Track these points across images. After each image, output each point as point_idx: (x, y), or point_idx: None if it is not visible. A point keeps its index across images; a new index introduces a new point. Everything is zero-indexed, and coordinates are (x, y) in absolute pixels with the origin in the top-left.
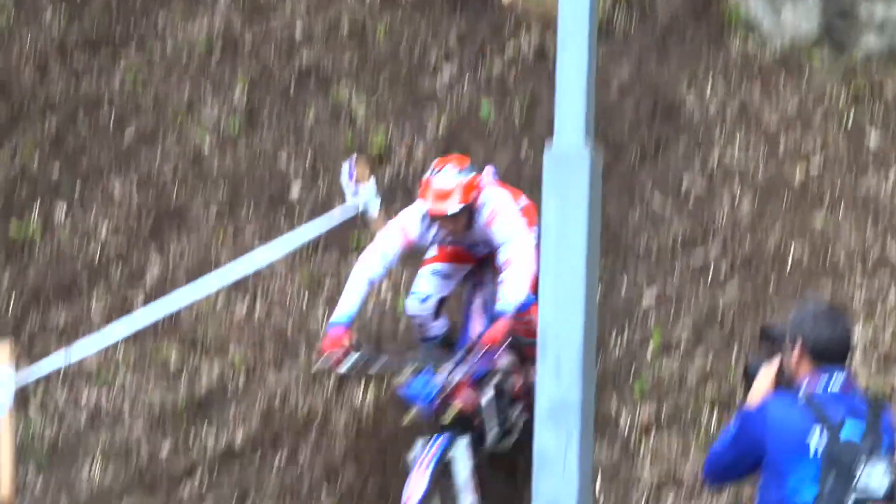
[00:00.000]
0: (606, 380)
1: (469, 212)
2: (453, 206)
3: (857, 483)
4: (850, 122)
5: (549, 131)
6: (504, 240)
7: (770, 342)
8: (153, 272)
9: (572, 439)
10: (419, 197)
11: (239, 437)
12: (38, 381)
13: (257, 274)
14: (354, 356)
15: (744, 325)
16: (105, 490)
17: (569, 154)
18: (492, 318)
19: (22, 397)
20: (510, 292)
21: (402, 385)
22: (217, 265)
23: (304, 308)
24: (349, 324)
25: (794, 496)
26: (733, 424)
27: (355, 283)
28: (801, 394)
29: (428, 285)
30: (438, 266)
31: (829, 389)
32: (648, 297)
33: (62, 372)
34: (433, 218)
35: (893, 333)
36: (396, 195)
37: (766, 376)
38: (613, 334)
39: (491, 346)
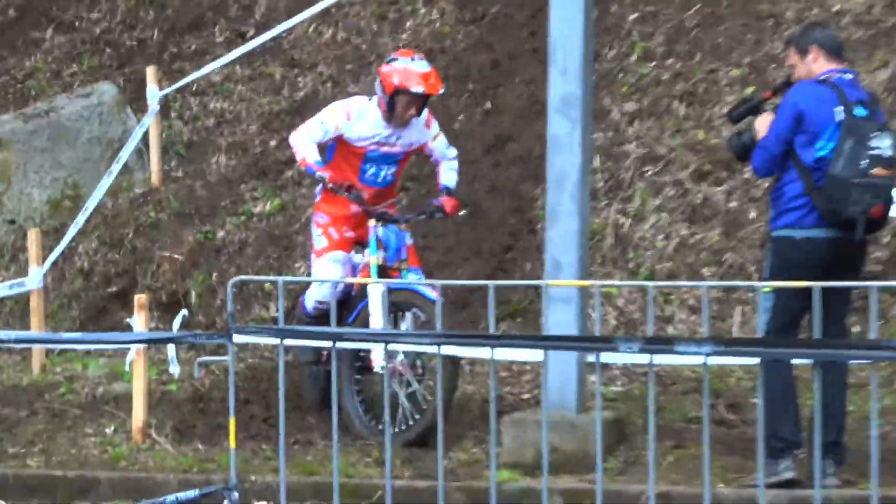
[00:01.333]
0: (601, 81)
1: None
2: (440, 86)
3: (871, 145)
4: None
5: None
6: (435, 134)
7: (744, 115)
8: (261, 8)
9: (577, 124)
10: (388, 84)
11: None
12: (177, 93)
13: (339, 6)
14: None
15: (706, 35)
16: (229, 175)
17: None
18: (447, 190)
19: (165, 106)
20: (453, 175)
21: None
22: (308, 3)
23: (375, 33)
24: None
25: (820, 151)
26: (774, 119)
27: (307, 144)
28: (823, 79)
29: (335, 272)
30: (337, 254)
31: (843, 78)
32: (630, 19)
33: (195, 86)
34: (411, 98)
35: None
36: None
37: (765, 120)
38: (606, 48)
39: (455, 209)
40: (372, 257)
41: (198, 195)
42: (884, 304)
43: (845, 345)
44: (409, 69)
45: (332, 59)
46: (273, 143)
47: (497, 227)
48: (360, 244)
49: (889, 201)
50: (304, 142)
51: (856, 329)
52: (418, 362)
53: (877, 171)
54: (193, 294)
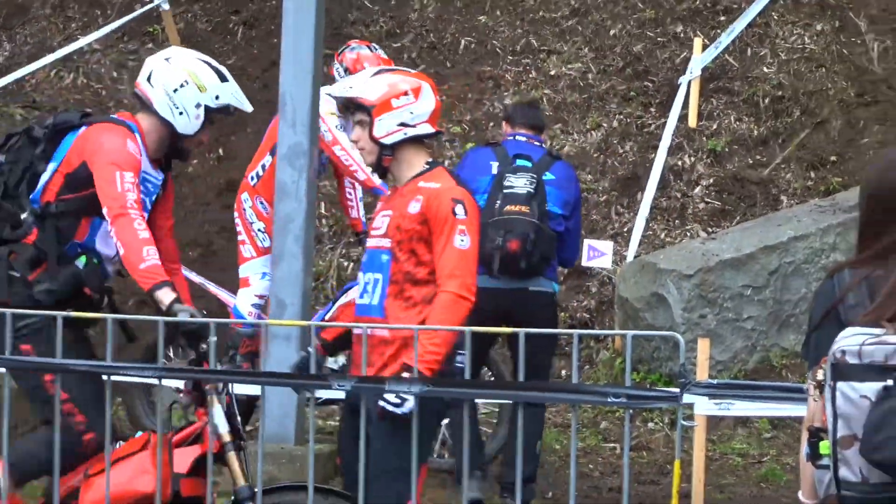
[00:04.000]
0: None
1: None
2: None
3: (505, 184)
4: None
5: None
6: None
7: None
8: (4, 52)
9: (303, 173)
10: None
11: None
12: None
13: (81, 52)
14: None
15: None
16: None
17: None
18: None
19: None
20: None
21: None
22: (50, 49)
23: (114, 79)
24: None
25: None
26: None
27: None
28: (493, 143)
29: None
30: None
31: (516, 139)
32: None
33: None
34: None
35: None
36: None
37: None
38: None
39: None
40: None
41: None
42: (591, 349)
43: (546, 387)
44: (376, 55)
45: (72, 103)
46: None
47: (228, 268)
48: None
49: (526, 237)
50: None
51: (565, 372)
52: None
53: (509, 207)
54: None
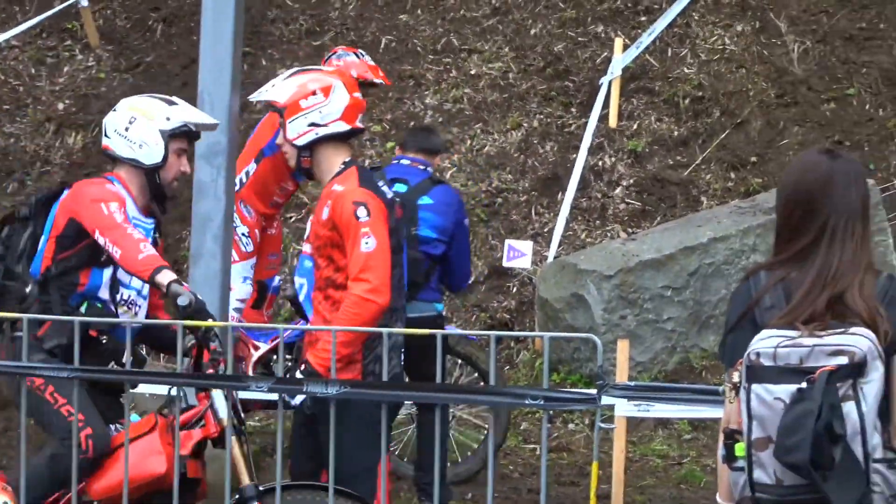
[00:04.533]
0: (249, 130)
1: None
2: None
3: None
4: None
5: None
6: None
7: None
8: None
9: (222, 171)
10: (358, 77)
11: None
12: None
13: None
14: None
15: None
16: None
17: None
18: None
19: None
20: None
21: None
22: None
23: (32, 76)
24: None
25: None
26: None
27: None
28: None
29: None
30: (254, 260)
31: (400, 163)
32: (279, 71)
33: None
34: (363, 88)
35: (453, 97)
36: None
37: None
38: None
39: None
40: None
41: None
42: (511, 350)
43: (464, 389)
44: (364, 62)
45: None
46: None
47: None
48: None
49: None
50: None
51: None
52: None
53: None
54: None
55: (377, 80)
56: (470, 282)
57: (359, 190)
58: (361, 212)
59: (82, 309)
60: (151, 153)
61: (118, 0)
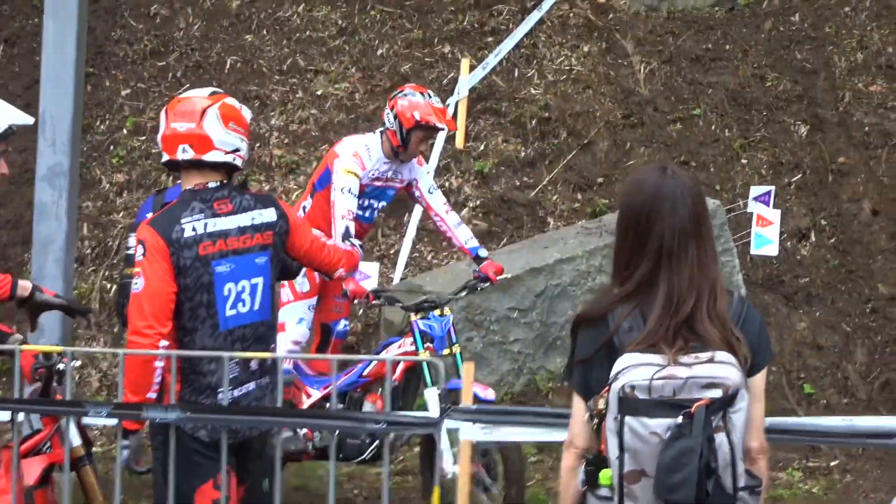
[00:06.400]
0: (92, 153)
1: None
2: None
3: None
4: None
5: None
6: (427, 171)
7: None
8: None
9: (64, 193)
10: (407, 118)
11: None
12: None
13: None
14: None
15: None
16: None
17: None
18: (479, 257)
19: None
20: (471, 234)
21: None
22: None
23: None
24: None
25: None
26: None
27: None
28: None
29: (307, 326)
30: (312, 301)
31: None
32: (123, 94)
33: None
34: (426, 133)
35: (300, 118)
36: None
37: None
38: (98, 121)
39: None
40: (421, 353)
41: None
42: None
43: (306, 414)
44: (429, 104)
45: None
46: None
47: None
48: None
49: None
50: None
51: None
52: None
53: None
54: None
55: (440, 126)
56: None
57: (143, 227)
58: (139, 250)
59: None
60: None
61: None
